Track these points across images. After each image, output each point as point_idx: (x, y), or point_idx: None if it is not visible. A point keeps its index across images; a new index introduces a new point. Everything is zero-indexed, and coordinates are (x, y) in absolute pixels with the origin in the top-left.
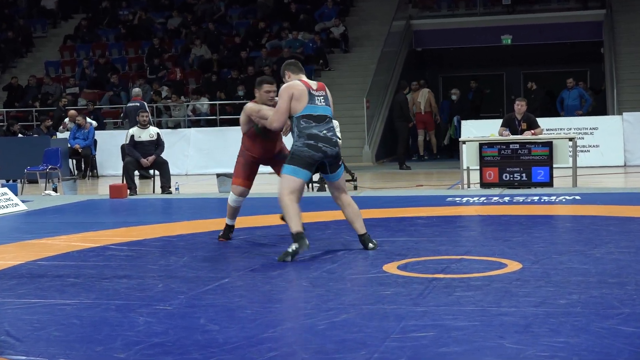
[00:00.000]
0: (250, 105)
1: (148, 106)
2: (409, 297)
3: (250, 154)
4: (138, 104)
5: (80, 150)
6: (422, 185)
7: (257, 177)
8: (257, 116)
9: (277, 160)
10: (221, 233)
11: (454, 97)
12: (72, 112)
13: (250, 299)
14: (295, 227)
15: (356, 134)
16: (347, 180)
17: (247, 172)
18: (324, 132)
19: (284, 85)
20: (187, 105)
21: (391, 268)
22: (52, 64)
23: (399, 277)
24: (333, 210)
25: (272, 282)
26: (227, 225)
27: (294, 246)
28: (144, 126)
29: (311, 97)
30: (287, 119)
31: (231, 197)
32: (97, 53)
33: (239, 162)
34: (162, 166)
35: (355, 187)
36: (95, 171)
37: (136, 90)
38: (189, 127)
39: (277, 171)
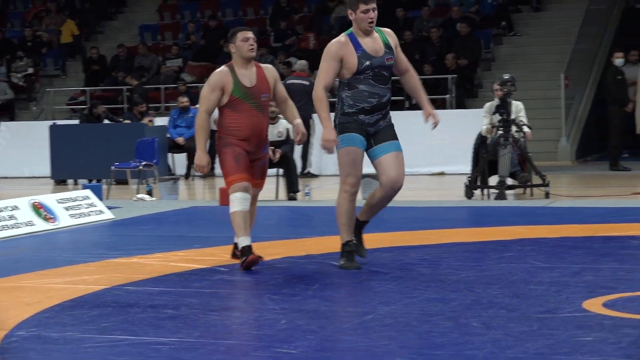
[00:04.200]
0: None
1: None
2: (618, 346)
3: (236, 138)
4: (307, 82)
5: (183, 143)
6: (639, 194)
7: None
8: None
9: (260, 159)
10: (243, 261)
11: None
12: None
13: (402, 343)
14: None
15: (551, 122)
16: (537, 185)
17: (242, 162)
18: None
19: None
20: None
21: (594, 305)
22: (148, 29)
23: (605, 318)
24: (516, 226)
25: (431, 321)
26: (243, 248)
27: None
28: (272, 119)
29: None
30: None
31: (235, 199)
32: (207, 14)
33: (225, 154)
34: (287, 164)
35: (547, 195)
36: None
37: (302, 63)
38: None
39: (257, 180)
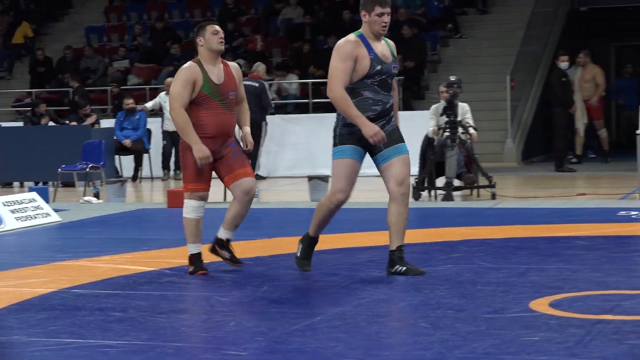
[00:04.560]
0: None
1: None
2: (564, 346)
3: (203, 136)
4: (257, 84)
5: (129, 145)
6: (584, 194)
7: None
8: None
9: (228, 155)
10: (191, 269)
11: None
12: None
13: (351, 344)
14: None
15: (497, 123)
16: (483, 186)
17: (204, 172)
18: None
19: None
20: (271, 85)
21: (540, 305)
22: (94, 30)
23: (551, 318)
24: (463, 227)
25: (379, 322)
26: (192, 255)
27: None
28: None
29: None
30: None
31: (190, 207)
32: (153, 16)
33: (189, 159)
34: None
35: (494, 196)
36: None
37: (258, 64)
38: (272, 113)
39: (228, 177)
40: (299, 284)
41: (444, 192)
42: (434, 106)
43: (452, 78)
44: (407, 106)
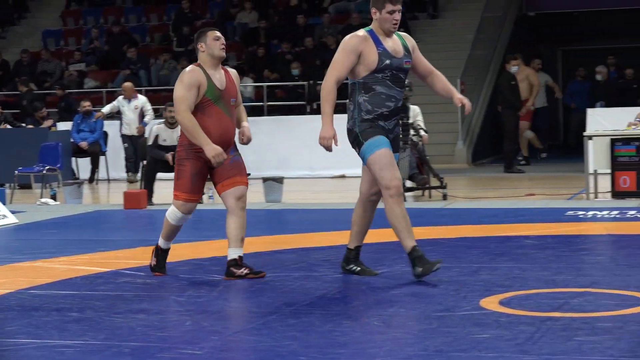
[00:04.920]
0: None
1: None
2: (514, 343)
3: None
4: None
5: (86, 148)
6: (533, 195)
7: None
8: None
9: (226, 162)
10: (154, 263)
11: (598, 77)
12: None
13: (306, 342)
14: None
15: (447, 126)
16: (435, 187)
17: (198, 183)
18: None
19: None
20: None
21: (491, 303)
22: (51, 34)
23: (501, 316)
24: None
25: (334, 321)
26: (160, 249)
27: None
28: (171, 125)
29: None
30: None
31: (175, 215)
32: (110, 20)
33: (185, 168)
34: None
35: (445, 196)
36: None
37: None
38: None
39: (221, 185)
40: (253, 284)
41: None
42: None
43: None
44: None
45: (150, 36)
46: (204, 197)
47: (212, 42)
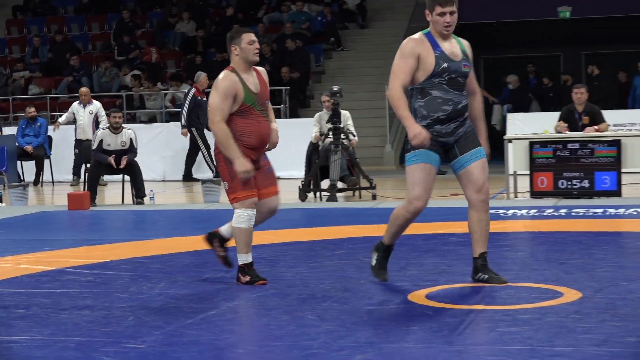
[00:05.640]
0: (227, 75)
1: (118, 95)
2: (441, 334)
3: (246, 147)
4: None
5: (31, 151)
6: (457, 195)
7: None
8: None
9: (264, 166)
10: (246, 279)
11: (510, 86)
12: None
13: (243, 336)
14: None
15: (376, 130)
16: (365, 188)
17: (250, 179)
18: None
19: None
20: (165, 94)
21: (418, 297)
22: None
23: (428, 309)
24: (347, 226)
25: (270, 315)
26: (245, 265)
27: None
28: (116, 130)
29: None
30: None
31: (241, 217)
32: (53, 29)
33: (231, 168)
34: (133, 170)
35: (374, 197)
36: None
37: (198, 74)
38: (166, 121)
39: (259, 192)
40: (194, 281)
41: (328, 194)
42: (317, 114)
43: (335, 88)
44: (293, 114)
45: (92, 44)
46: (145, 198)
47: (247, 47)
